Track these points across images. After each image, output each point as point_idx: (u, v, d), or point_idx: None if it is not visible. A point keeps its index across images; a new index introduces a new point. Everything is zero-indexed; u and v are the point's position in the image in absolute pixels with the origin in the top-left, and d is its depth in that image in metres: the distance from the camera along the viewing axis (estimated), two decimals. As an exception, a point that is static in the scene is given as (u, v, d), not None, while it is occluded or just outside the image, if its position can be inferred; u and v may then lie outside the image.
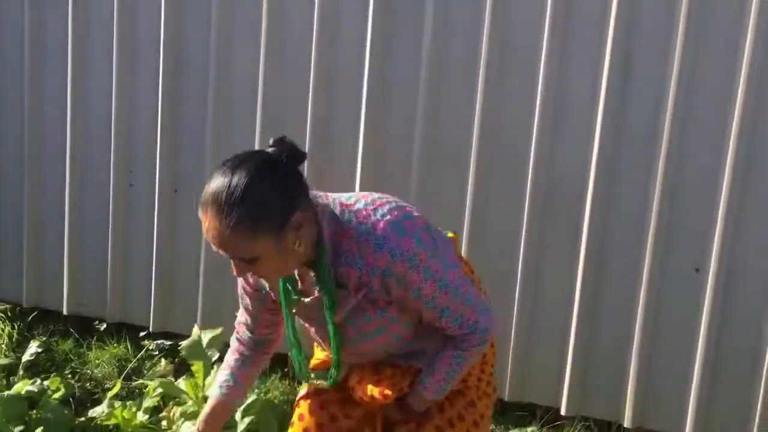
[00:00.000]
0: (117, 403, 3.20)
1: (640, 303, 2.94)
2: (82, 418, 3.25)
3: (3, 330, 3.78)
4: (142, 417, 3.20)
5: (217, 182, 1.44)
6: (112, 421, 3.18)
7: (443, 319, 1.64)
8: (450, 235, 1.86)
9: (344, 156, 3.26)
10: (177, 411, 3.25)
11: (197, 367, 3.20)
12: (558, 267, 3.05)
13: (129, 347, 3.70)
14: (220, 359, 3.15)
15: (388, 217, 1.55)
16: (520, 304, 3.09)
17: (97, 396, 3.49)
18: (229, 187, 1.42)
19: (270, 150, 1.52)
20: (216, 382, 1.94)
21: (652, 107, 2.86)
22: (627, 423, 3.03)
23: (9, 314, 3.91)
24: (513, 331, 3.11)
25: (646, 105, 2.87)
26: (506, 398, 3.18)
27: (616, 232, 2.97)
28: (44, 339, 3.74)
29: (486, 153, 3.06)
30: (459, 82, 3.06)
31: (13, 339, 3.79)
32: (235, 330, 1.92)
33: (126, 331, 3.76)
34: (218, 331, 3.26)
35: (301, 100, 3.26)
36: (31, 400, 3.23)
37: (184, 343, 3.27)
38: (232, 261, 1.53)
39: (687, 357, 2.93)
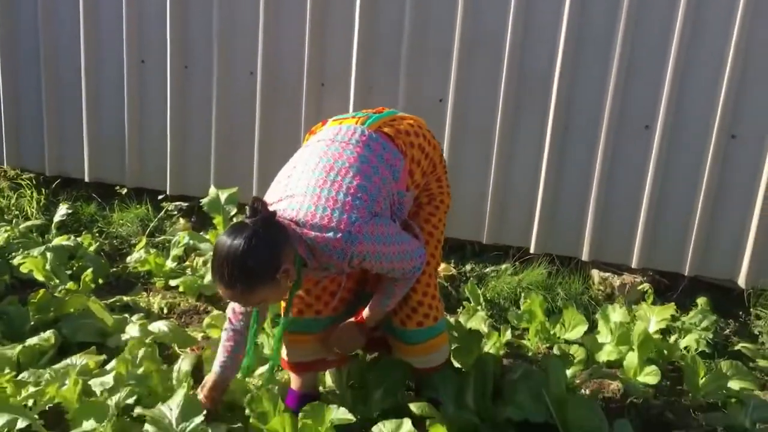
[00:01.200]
0: (152, 250, 3.68)
1: (598, 156, 3.46)
2: (115, 269, 3.73)
3: (31, 196, 4.17)
4: (171, 264, 3.69)
5: (220, 261, 1.95)
6: (146, 268, 3.66)
7: (391, 274, 2.25)
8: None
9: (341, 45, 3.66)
10: (199, 260, 3.75)
11: (218, 219, 3.66)
12: (530, 127, 3.53)
13: (149, 209, 4.14)
14: (238, 213, 3.64)
15: (339, 235, 2.03)
16: (497, 158, 3.58)
17: (124, 251, 3.95)
18: (229, 266, 1.94)
19: (248, 221, 1.98)
20: (216, 363, 2.33)
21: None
22: (584, 257, 3.62)
23: (34, 182, 4.28)
24: (491, 183, 3.62)
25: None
26: (484, 241, 3.73)
27: (579, 97, 3.45)
28: (69, 203, 4.14)
29: (469, 31, 3.47)
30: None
31: (41, 204, 4.19)
32: (228, 321, 2.33)
33: (146, 194, 4.18)
34: (234, 189, 3.71)
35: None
36: (69, 253, 3.68)
37: (204, 200, 3.71)
38: None
39: (636, 201, 3.49)
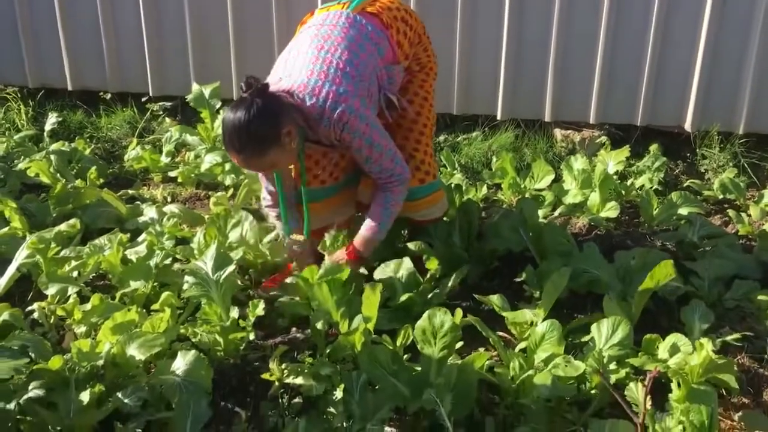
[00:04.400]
0: (148, 147, 3.91)
1: (554, 18, 3.74)
2: (111, 169, 3.95)
3: (19, 109, 4.32)
4: (165, 159, 3.93)
5: (229, 132, 2.22)
6: (142, 165, 3.90)
7: (367, 165, 2.45)
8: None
9: None
10: (191, 154, 3.99)
11: (205, 114, 3.88)
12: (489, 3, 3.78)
13: (135, 111, 4.33)
14: (223, 106, 3.87)
15: (327, 103, 2.28)
16: (461, 33, 3.83)
17: (116, 153, 4.16)
18: (237, 133, 2.21)
19: (245, 94, 2.22)
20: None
21: None
22: (547, 118, 3.95)
23: (19, 95, 4.41)
24: (456, 58, 3.88)
25: None
26: (455, 112, 4.03)
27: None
28: (57, 113, 4.30)
29: None
30: None
31: (29, 116, 4.34)
32: (267, 204, 2.67)
33: (130, 98, 4.35)
34: (216, 84, 3.91)
35: None
36: (67, 158, 3.89)
37: (189, 96, 3.91)
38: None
39: (591, 60, 3.79)
